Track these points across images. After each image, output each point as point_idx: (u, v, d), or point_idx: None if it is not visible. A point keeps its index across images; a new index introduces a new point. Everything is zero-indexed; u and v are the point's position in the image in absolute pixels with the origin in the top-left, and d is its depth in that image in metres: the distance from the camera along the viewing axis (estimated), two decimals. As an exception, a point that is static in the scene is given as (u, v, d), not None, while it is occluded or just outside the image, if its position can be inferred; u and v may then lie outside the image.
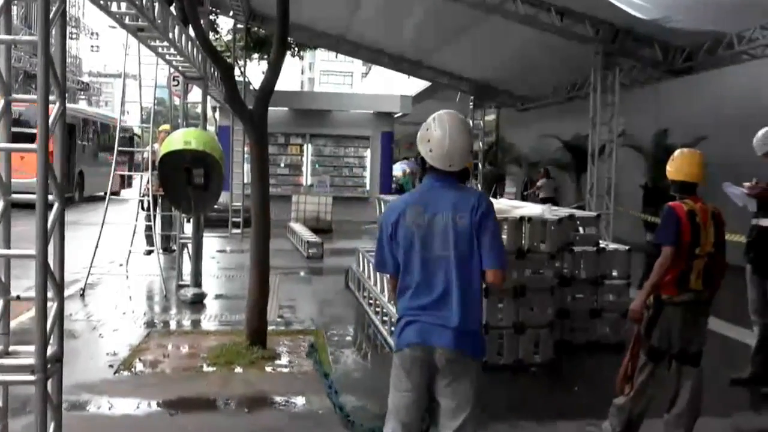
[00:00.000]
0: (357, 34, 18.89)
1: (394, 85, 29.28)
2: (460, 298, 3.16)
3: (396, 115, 23.34)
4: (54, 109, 3.47)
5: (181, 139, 8.73)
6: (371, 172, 22.15)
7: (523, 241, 6.55)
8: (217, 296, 9.77)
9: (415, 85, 25.81)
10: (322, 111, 21.83)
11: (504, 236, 6.59)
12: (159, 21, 7.58)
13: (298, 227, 16.13)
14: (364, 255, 9.32)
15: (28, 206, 3.37)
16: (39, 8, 3.35)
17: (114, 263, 11.36)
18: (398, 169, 24.60)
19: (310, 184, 21.63)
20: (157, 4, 7.47)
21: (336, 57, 23.11)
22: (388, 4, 15.64)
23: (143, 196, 11.40)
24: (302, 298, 9.72)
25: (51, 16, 3.44)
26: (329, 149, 22.29)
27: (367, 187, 22.08)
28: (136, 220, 11.04)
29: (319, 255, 13.52)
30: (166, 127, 12.31)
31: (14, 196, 3.52)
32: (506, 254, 3.36)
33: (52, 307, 3.48)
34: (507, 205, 7.73)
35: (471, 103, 22.28)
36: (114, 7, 6.95)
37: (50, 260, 3.44)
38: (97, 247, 9.69)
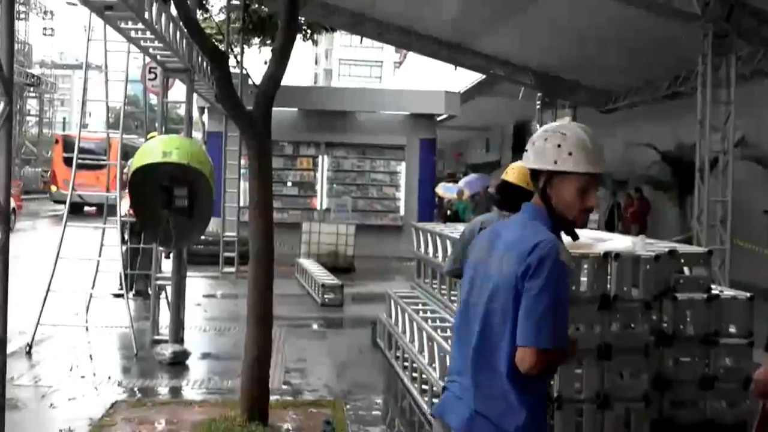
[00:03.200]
0: (385, 10, 19.05)
1: (437, 79, 29.44)
2: (475, 368, 3.11)
3: (439, 118, 23.42)
4: (-2, 110, 3.55)
5: (159, 149, 8.84)
6: (406, 193, 22.20)
7: (608, 286, 6.49)
8: (204, 355, 9.79)
9: (464, 78, 25.92)
10: (341, 113, 21.98)
11: (583, 278, 6.54)
12: (132, -3, 7.72)
13: (309, 265, 16.17)
14: (398, 302, 9.30)
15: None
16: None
17: (70, 311, 11.47)
18: (450, 189, 24.53)
19: (326, 208, 21.73)
20: (130, -25, 7.62)
21: (360, 42, 23.30)
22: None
23: (123, 224, 11.49)
24: (315, 359, 9.71)
25: (-4, -8, 3.52)
26: (351, 162, 22.42)
27: (401, 212, 22.12)
28: (99, 254, 11.15)
29: (337, 302, 13.52)
30: (155, 134, 12.45)
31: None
32: (552, 331, 3.01)
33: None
34: (587, 238, 7.68)
35: (538, 102, 22.30)
36: (75, -20, 7.10)
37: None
38: (49, 289, 9.79)
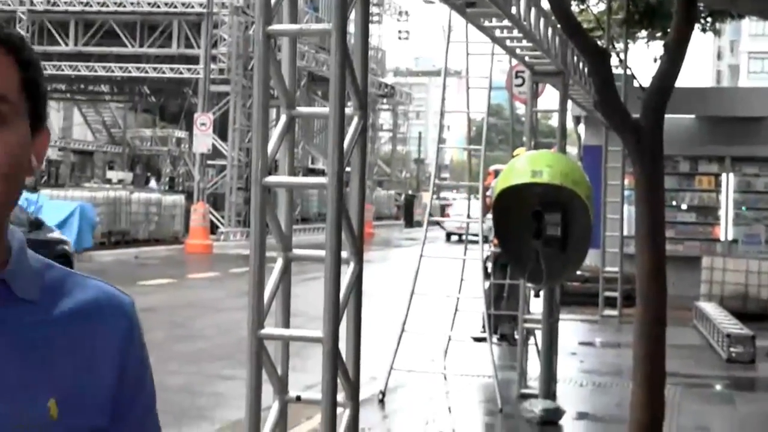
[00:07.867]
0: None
1: None
2: None
3: None
4: (352, 125, 3.81)
5: (527, 167, 9.01)
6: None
7: None
8: (581, 415, 9.83)
9: None
10: (752, 119, 21.15)
11: None
12: (498, -10, 7.96)
13: (711, 309, 15.68)
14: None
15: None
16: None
17: (426, 355, 11.95)
18: None
19: (732, 239, 20.99)
20: (495, -34, 7.87)
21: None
22: None
23: (486, 256, 11.83)
24: (720, 429, 9.39)
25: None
26: (765, 182, 21.48)
27: (831, 245, 20.86)
28: (459, 291, 11.53)
29: (747, 357, 12.97)
30: (521, 150, 12.78)
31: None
32: None
33: (343, 414, 3.77)
34: None
35: None
36: (434, -25, 7.46)
37: (342, 347, 3.75)
38: (403, 329, 10.27)
